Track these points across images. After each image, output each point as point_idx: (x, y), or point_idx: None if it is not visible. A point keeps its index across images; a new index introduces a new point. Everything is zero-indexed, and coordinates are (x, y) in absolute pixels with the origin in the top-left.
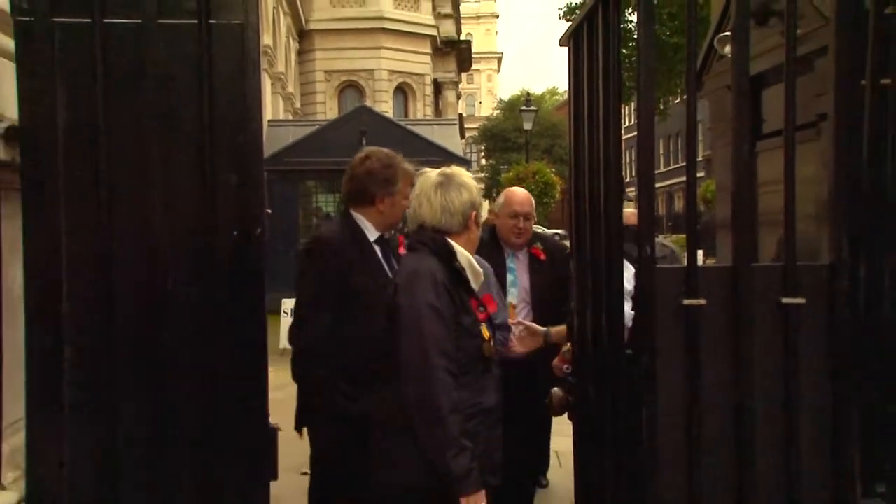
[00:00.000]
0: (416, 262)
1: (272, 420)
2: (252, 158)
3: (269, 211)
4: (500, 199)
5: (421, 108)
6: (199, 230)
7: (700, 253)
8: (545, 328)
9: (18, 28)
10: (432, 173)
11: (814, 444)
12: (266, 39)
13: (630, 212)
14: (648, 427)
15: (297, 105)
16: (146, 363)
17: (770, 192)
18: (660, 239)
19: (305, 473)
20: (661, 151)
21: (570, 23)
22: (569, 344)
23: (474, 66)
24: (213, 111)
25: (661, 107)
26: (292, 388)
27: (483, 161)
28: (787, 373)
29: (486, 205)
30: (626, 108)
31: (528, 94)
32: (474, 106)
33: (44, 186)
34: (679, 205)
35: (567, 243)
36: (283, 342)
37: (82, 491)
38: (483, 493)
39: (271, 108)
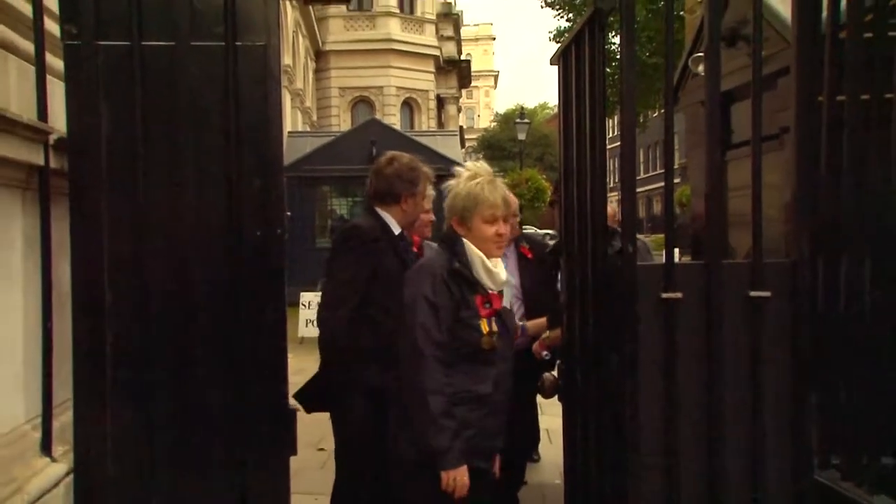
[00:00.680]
0: (427, 258)
1: (291, 402)
2: (273, 166)
3: (289, 213)
4: None
5: (425, 121)
6: (226, 230)
7: (676, 251)
8: (522, 323)
9: (67, 51)
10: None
11: (777, 422)
12: (286, 59)
13: (613, 208)
14: (630, 405)
15: (314, 118)
16: (179, 349)
17: (739, 196)
18: (644, 238)
19: (322, 449)
20: (642, 160)
21: (559, 44)
22: (548, 332)
23: (473, 83)
24: (238, 123)
25: (641, 120)
26: (310, 373)
27: None
28: (754, 358)
29: None
30: (610, 120)
31: (522, 107)
32: (473, 119)
33: (88, 191)
34: (657, 208)
35: (551, 242)
36: (302, 331)
37: (123, 462)
38: (463, 469)
39: (291, 120)
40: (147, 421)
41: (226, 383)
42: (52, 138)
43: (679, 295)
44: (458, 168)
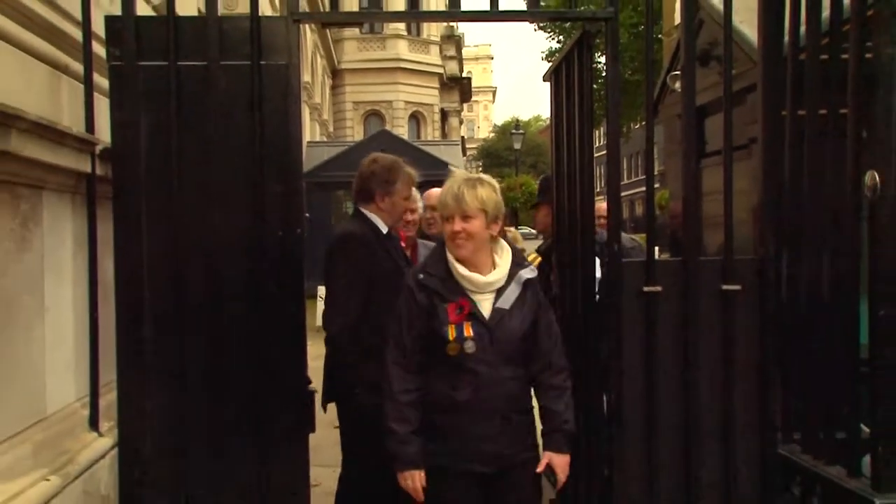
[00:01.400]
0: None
1: (310, 384)
2: (294, 172)
3: (308, 215)
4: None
5: (430, 132)
6: (251, 230)
7: (656, 248)
8: None
9: (111, 71)
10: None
11: (745, 400)
12: (306, 77)
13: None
14: (614, 383)
15: (331, 129)
16: (210, 337)
17: (712, 199)
18: (631, 235)
19: (337, 427)
20: (625, 166)
21: (551, 63)
22: None
23: (473, 98)
24: (263, 134)
25: (625, 131)
26: None
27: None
28: (726, 344)
29: None
30: (597, 131)
31: (518, 120)
32: (474, 130)
33: (129, 196)
34: (639, 210)
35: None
36: (319, 321)
37: (160, 436)
38: (415, 473)
39: (309, 131)
40: (182, 400)
41: (252, 367)
42: (98, 148)
43: (659, 288)
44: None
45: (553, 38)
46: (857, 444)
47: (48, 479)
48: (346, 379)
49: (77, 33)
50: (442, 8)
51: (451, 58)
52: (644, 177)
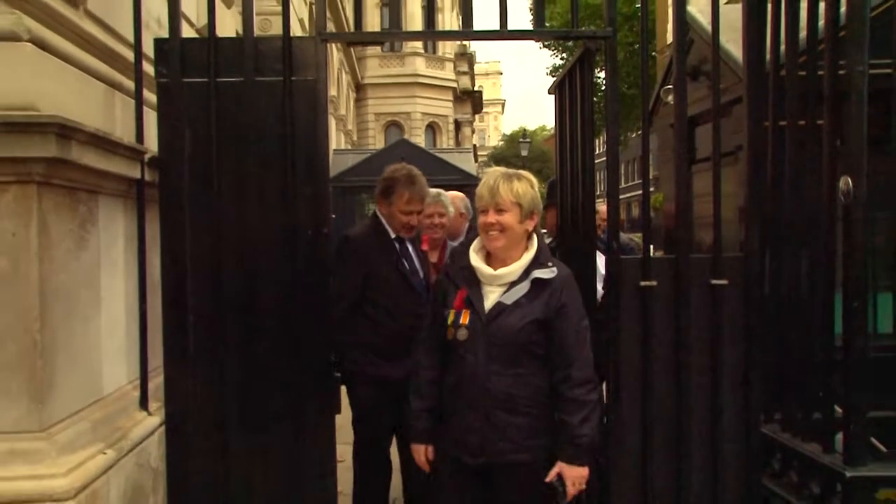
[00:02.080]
0: None
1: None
2: (321, 177)
3: (334, 216)
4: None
5: (445, 140)
6: (283, 229)
7: (651, 246)
8: None
9: (159, 87)
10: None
11: (731, 385)
12: (332, 91)
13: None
14: (613, 371)
15: (354, 138)
16: (246, 325)
17: (702, 201)
18: (630, 236)
19: None
20: (623, 171)
21: (555, 77)
22: None
23: (485, 110)
24: (293, 143)
25: (623, 139)
26: None
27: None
28: (714, 334)
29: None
30: (597, 139)
31: (525, 129)
32: (485, 139)
33: (174, 199)
34: (635, 211)
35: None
36: None
37: (202, 415)
38: (421, 448)
39: (335, 140)
40: (222, 384)
41: (285, 353)
42: (146, 157)
43: (654, 283)
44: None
45: (557, 55)
46: (830, 424)
47: (105, 453)
48: (346, 368)
49: (129, 54)
50: (456, 28)
51: (464, 73)
52: (640, 181)
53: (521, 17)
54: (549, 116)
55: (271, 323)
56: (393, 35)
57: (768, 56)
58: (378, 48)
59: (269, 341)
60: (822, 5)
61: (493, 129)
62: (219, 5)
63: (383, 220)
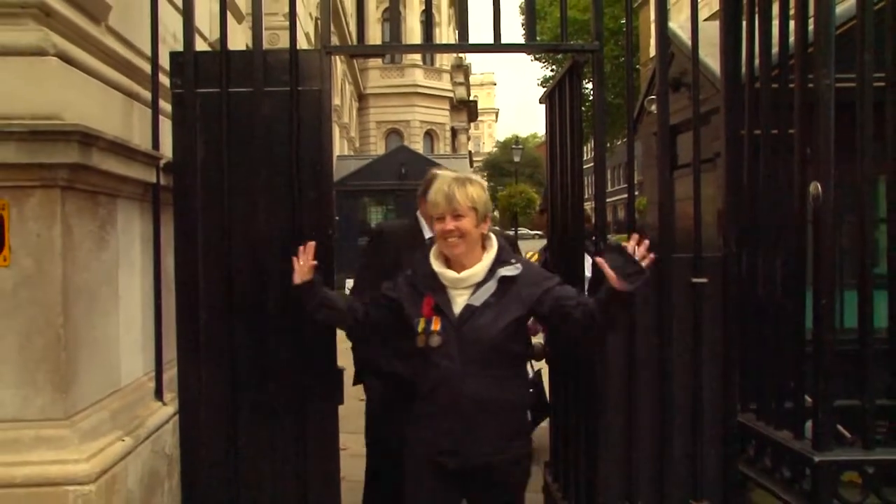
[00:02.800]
0: None
1: (339, 363)
2: (326, 182)
3: (337, 218)
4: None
5: (442, 147)
6: (289, 231)
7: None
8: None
9: (174, 97)
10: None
11: (711, 376)
12: (336, 100)
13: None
14: (600, 363)
15: (357, 145)
16: (254, 322)
17: (683, 205)
18: (613, 236)
19: (363, 400)
20: (610, 177)
21: (546, 88)
22: None
23: (479, 118)
24: (299, 149)
25: (609, 146)
26: None
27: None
28: (695, 328)
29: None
30: (586, 146)
31: (517, 136)
32: (479, 145)
33: (187, 202)
34: (621, 214)
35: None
36: None
37: (214, 406)
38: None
39: (339, 146)
40: (232, 375)
41: (291, 347)
42: (162, 162)
43: None
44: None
45: (547, 67)
46: (801, 413)
47: (123, 440)
48: (361, 360)
49: (147, 67)
50: (452, 42)
51: (460, 84)
52: (626, 185)
53: (513, 32)
54: (540, 124)
55: (278, 319)
56: (393, 48)
57: (744, 69)
58: (379, 60)
59: (275, 336)
60: (792, 24)
61: (488, 136)
62: (230, 21)
63: (421, 220)
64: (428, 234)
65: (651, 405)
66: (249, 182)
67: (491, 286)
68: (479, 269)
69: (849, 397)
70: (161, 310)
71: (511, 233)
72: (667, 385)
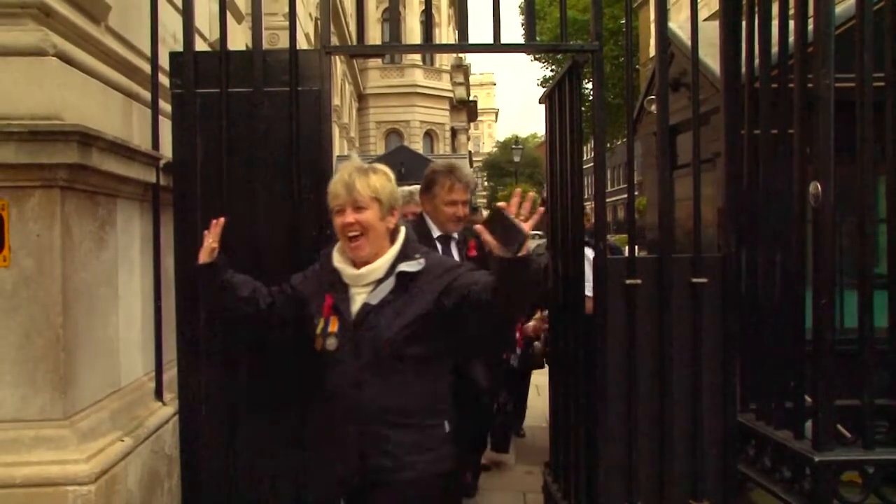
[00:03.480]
0: None
1: None
2: (325, 181)
3: None
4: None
5: (442, 147)
6: (289, 230)
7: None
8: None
9: (174, 97)
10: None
11: (711, 376)
12: (335, 100)
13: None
14: (600, 363)
15: (357, 145)
16: (253, 322)
17: (683, 205)
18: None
19: None
20: (610, 177)
21: (546, 88)
22: (543, 311)
23: (479, 118)
24: (299, 149)
25: (609, 146)
26: None
27: (485, 183)
28: (694, 328)
29: (486, 213)
30: (585, 146)
31: (517, 136)
32: (479, 145)
33: (187, 203)
34: (621, 214)
35: (541, 241)
36: None
37: (214, 405)
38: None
39: (338, 147)
40: (231, 375)
41: (288, 346)
42: (161, 163)
43: (638, 281)
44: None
45: (547, 67)
46: (801, 413)
47: (123, 440)
48: None
49: (146, 67)
50: (452, 42)
51: (460, 84)
52: (626, 185)
53: (513, 32)
54: (540, 124)
55: None
56: (393, 48)
57: (743, 69)
58: (379, 60)
59: (275, 336)
60: (791, 24)
61: (488, 136)
62: (230, 21)
63: (428, 219)
64: (437, 234)
65: (651, 405)
66: (249, 182)
67: (390, 283)
68: (380, 264)
69: (849, 397)
70: (161, 310)
71: None
72: (666, 385)
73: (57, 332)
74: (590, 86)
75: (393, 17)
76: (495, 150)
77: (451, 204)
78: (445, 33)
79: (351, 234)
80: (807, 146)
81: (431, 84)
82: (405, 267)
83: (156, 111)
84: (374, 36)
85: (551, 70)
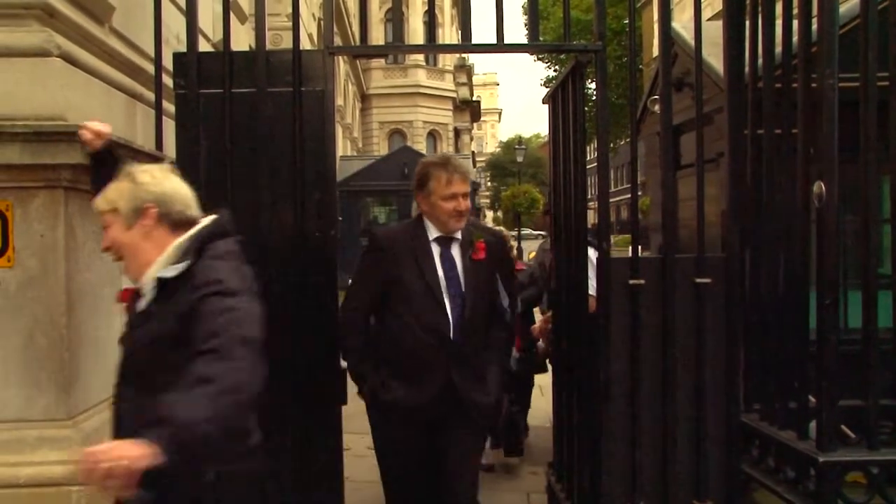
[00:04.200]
0: None
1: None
2: (329, 182)
3: (340, 219)
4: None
5: (445, 147)
6: (293, 231)
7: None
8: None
9: (177, 98)
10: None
11: (713, 376)
12: (339, 101)
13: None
14: (603, 364)
15: (360, 145)
16: None
17: (686, 205)
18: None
19: None
20: (613, 177)
21: (549, 88)
22: (547, 312)
23: (482, 118)
24: (303, 150)
25: (612, 146)
26: None
27: (489, 183)
28: (698, 328)
29: (490, 214)
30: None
31: (520, 137)
32: (482, 146)
33: None
34: (624, 214)
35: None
36: None
37: None
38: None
39: (342, 147)
40: None
41: (294, 347)
42: (165, 163)
43: (642, 281)
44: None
45: (550, 67)
46: (805, 413)
47: None
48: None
49: (150, 67)
50: (455, 42)
51: (463, 84)
52: (629, 185)
53: (516, 32)
54: (543, 125)
55: (282, 318)
56: (396, 48)
57: (747, 69)
58: (382, 60)
59: (279, 337)
60: (795, 23)
61: (491, 136)
62: (233, 21)
63: (425, 220)
64: (434, 235)
65: (654, 405)
66: (252, 183)
67: (151, 292)
68: (153, 269)
69: (853, 398)
70: None
71: (514, 233)
72: (669, 386)
73: (61, 332)
74: (593, 86)
75: (396, 18)
76: (498, 150)
77: (450, 198)
78: (448, 33)
79: (112, 256)
80: (810, 146)
81: (435, 84)
82: (163, 273)
83: (159, 112)
84: (377, 36)
85: (554, 70)
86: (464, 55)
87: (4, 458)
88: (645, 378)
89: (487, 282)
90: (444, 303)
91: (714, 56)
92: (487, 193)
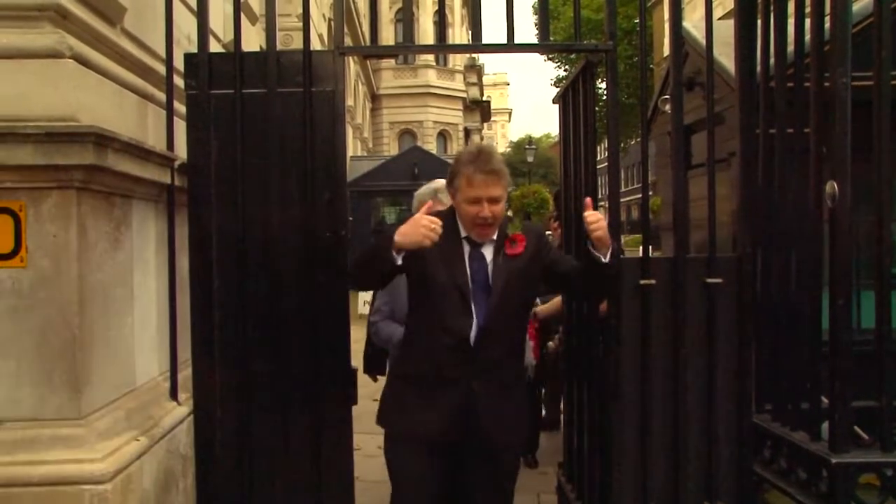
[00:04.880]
0: None
1: (353, 363)
2: (339, 182)
3: (351, 218)
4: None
5: (455, 147)
6: (303, 231)
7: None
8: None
9: (188, 98)
10: None
11: (725, 377)
12: (349, 101)
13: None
14: (614, 364)
15: (370, 145)
16: (267, 322)
17: (697, 205)
18: (630, 239)
19: (376, 400)
20: (623, 177)
21: (559, 88)
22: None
23: (493, 118)
24: (313, 150)
25: (623, 146)
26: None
27: None
28: (709, 329)
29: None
30: (599, 146)
31: (531, 137)
32: (492, 146)
33: (202, 203)
34: (635, 214)
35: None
36: (360, 309)
37: (228, 405)
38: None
39: (352, 147)
40: (246, 376)
41: (304, 348)
42: (176, 164)
43: (652, 281)
44: None
45: (560, 67)
46: (817, 414)
47: (138, 440)
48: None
49: (161, 68)
50: (465, 42)
51: (473, 84)
52: (640, 185)
53: (527, 32)
54: (553, 124)
55: (292, 318)
56: (406, 48)
57: (759, 68)
58: (392, 61)
59: (288, 336)
60: (808, 22)
61: (501, 136)
62: (244, 22)
63: (457, 215)
64: (465, 233)
65: (665, 406)
66: (263, 183)
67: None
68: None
69: (866, 398)
70: (176, 310)
71: None
72: (681, 386)
73: (73, 332)
74: (603, 85)
75: (406, 18)
76: (509, 150)
77: (473, 202)
78: (459, 34)
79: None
80: (823, 146)
81: (445, 84)
82: None
83: (170, 112)
84: (388, 36)
85: (565, 70)
86: (474, 55)
87: (18, 457)
88: (655, 378)
89: (522, 278)
90: (470, 303)
91: (725, 55)
92: None
